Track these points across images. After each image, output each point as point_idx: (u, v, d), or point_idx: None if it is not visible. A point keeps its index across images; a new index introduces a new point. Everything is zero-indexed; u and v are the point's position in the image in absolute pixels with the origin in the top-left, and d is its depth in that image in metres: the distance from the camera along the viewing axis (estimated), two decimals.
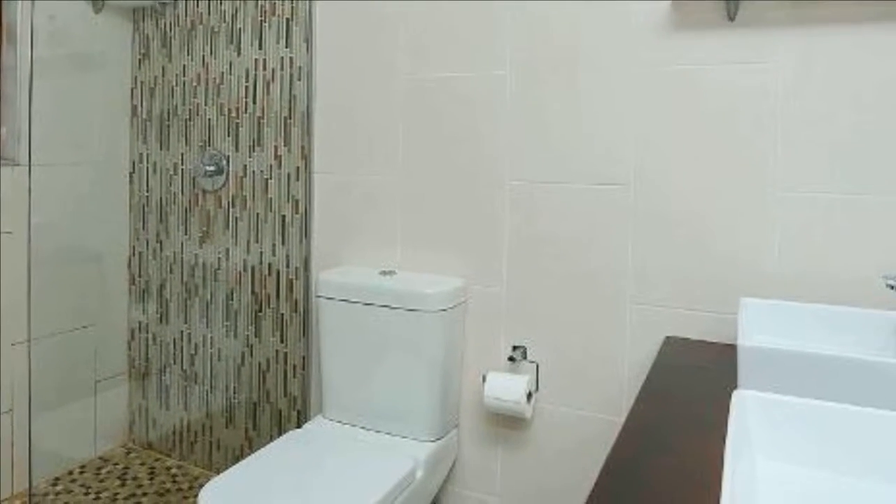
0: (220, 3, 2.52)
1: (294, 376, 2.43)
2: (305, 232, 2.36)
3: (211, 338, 2.62)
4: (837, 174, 1.64)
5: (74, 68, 2.59)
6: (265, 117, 2.43)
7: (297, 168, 2.36)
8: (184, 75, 2.63)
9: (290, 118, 2.37)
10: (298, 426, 2.41)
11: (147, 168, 2.75)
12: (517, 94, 2.00)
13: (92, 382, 2.71)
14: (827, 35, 1.63)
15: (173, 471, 2.67)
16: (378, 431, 2.06)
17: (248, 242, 2.50)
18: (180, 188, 2.66)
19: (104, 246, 2.74)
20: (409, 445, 1.97)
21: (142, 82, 2.75)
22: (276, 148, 2.41)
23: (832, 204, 1.64)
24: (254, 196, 2.47)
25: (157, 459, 2.75)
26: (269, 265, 2.46)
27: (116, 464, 2.71)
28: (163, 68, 2.69)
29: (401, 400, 2.01)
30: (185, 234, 2.65)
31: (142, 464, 2.72)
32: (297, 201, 2.37)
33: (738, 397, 1.04)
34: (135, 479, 2.61)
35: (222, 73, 2.53)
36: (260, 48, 2.44)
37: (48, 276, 2.51)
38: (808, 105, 1.66)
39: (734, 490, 0.81)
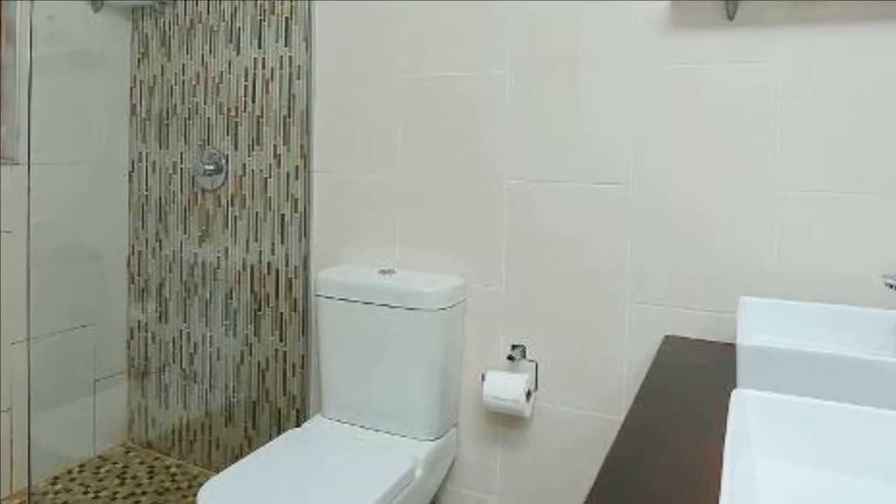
0: (220, 3, 2.52)
1: (293, 375, 2.43)
2: (304, 231, 2.36)
3: (210, 337, 2.62)
4: (836, 173, 1.64)
5: (74, 67, 2.59)
6: (264, 116, 2.43)
7: (297, 167, 2.36)
8: (183, 74, 2.63)
9: (290, 117, 2.37)
10: (297, 425, 2.41)
11: (146, 167, 2.75)
12: (516, 93, 2.00)
13: (91, 381, 2.71)
14: (826, 34, 1.63)
15: (172, 470, 2.67)
16: (377, 430, 2.06)
17: (248, 241, 2.50)
18: (179, 187, 2.66)
19: (103, 245, 2.74)
20: (408, 444, 1.98)
21: (141, 81, 2.75)
22: (275, 147, 2.41)
23: (831, 203, 1.64)
24: (253, 195, 2.47)
25: (156, 458, 2.75)
26: (269, 264, 2.46)
27: (116, 463, 2.71)
28: (162, 67, 2.69)
29: (400, 399, 2.01)
30: (185, 233, 2.65)
31: (141, 463, 2.72)
32: (296, 200, 2.37)
33: (737, 396, 1.05)
34: (134, 478, 2.61)
35: (221, 72, 2.53)
36: (259, 47, 2.44)
37: (47, 275, 2.51)
38: (807, 104, 1.66)
39: (733, 489, 0.81)
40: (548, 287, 1.99)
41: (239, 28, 2.48)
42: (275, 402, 2.48)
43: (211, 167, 2.54)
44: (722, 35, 1.74)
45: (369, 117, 2.23)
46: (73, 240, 2.63)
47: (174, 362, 2.72)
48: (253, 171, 2.46)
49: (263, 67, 2.43)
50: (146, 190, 2.75)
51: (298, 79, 2.35)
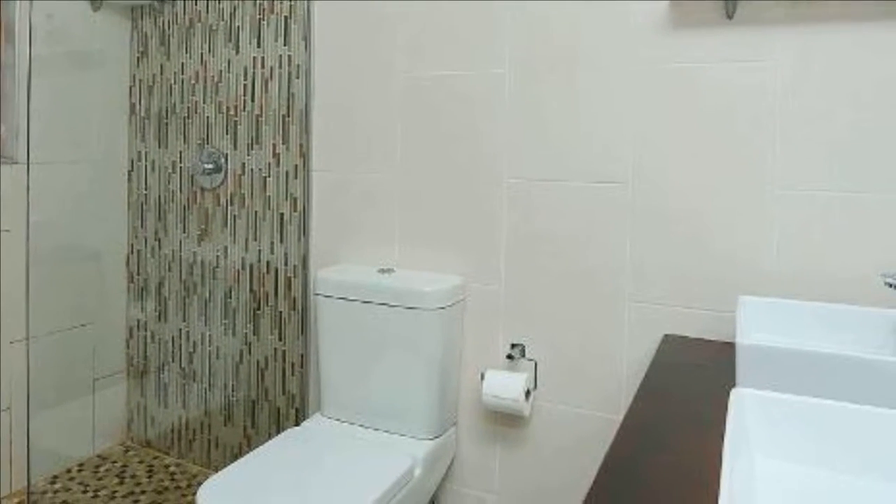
0: (219, 2, 2.52)
1: (292, 374, 2.43)
2: (304, 230, 2.36)
3: (209, 336, 2.62)
4: (836, 172, 1.64)
5: (73, 66, 2.58)
6: (263, 115, 2.43)
7: (296, 166, 2.36)
8: (182, 73, 2.63)
9: (289, 116, 2.37)
10: (297, 424, 2.41)
11: (145, 166, 2.75)
12: (516, 93, 2.00)
13: (90, 380, 2.71)
14: (825, 33, 1.64)
15: (172, 469, 2.67)
16: (376, 429, 2.06)
17: (247, 240, 2.50)
18: (179, 186, 2.66)
19: (103, 244, 2.74)
20: (407, 443, 1.98)
21: (140, 80, 2.75)
22: (274, 146, 2.41)
23: (830, 202, 1.64)
24: (252, 194, 2.47)
25: (155, 457, 2.75)
26: (268, 263, 2.46)
27: (115, 462, 2.71)
28: (161, 66, 2.69)
29: (399, 398, 2.01)
30: (184, 232, 2.65)
31: (140, 462, 2.72)
32: (295, 199, 2.37)
33: (736, 395, 1.05)
34: (133, 477, 2.61)
35: (221, 71, 2.53)
36: (258, 46, 2.43)
37: (47, 275, 2.51)
38: (807, 103, 1.66)
39: (732, 488, 0.81)
40: (547, 286, 1.99)
41: (238, 27, 2.48)
42: (274, 401, 2.48)
43: (210, 166, 2.54)
44: (721, 34, 1.74)
45: (368, 116, 2.23)
46: (72, 239, 2.62)
47: (173, 361, 2.72)
48: (252, 170, 2.46)
49: (263, 66, 2.43)
50: (145, 189, 2.75)
51: (297, 78, 2.35)
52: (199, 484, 2.49)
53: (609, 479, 0.98)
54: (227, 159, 2.52)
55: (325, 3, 2.28)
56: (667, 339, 1.76)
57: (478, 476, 2.12)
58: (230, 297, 2.55)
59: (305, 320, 2.40)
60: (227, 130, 2.52)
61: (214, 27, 2.53)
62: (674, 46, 1.80)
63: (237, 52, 2.48)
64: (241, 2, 2.46)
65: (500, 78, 2.02)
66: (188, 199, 2.63)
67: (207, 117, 2.57)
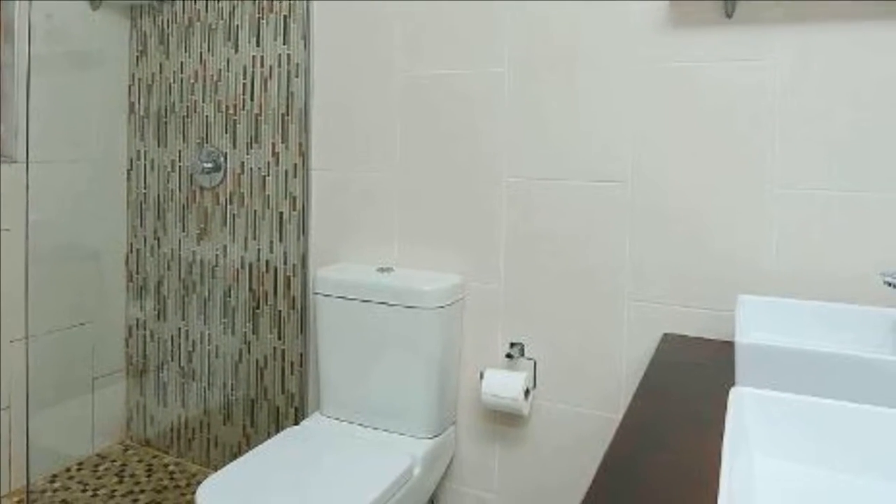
0: (218, 1, 2.52)
1: (292, 373, 2.43)
2: (303, 229, 2.36)
3: (209, 335, 2.62)
4: (835, 171, 1.64)
5: (72, 65, 2.58)
6: (263, 114, 2.43)
7: (295, 165, 2.36)
8: (181, 72, 2.63)
9: (288, 115, 2.37)
10: (296, 423, 2.41)
11: (145, 165, 2.75)
12: (515, 91, 2.00)
13: (89, 379, 2.71)
14: (824, 32, 1.63)
15: (171, 468, 2.67)
16: (376, 428, 2.06)
17: (246, 239, 2.50)
18: (178, 185, 2.65)
19: (102, 243, 2.73)
20: (406, 442, 1.98)
21: (139, 79, 2.75)
22: (273, 145, 2.41)
23: (830, 201, 1.65)
24: (251, 193, 2.47)
25: (154, 456, 2.75)
26: (267, 262, 2.46)
27: (114, 461, 2.71)
28: (160, 65, 2.68)
29: (398, 397, 2.01)
30: (183, 231, 2.65)
31: (139, 461, 2.72)
32: (294, 198, 2.37)
33: (735, 394, 1.05)
34: (132, 476, 2.61)
35: (220, 70, 2.53)
36: (258, 45, 2.43)
37: (46, 274, 2.51)
38: (806, 102, 1.66)
39: (732, 487, 0.81)
40: (546, 285, 1.99)
41: (237, 26, 2.47)
42: (273, 401, 2.48)
43: (209, 165, 2.53)
44: (720, 33, 1.74)
45: (368, 115, 2.22)
46: (71, 238, 2.62)
47: (172, 360, 2.72)
48: (251, 169, 2.46)
49: (262, 65, 2.43)
50: (144, 188, 2.75)
51: (297, 77, 2.35)
52: (199, 483, 2.49)
53: (608, 478, 0.98)
54: (226, 158, 2.52)
55: (325, 3, 2.28)
56: (666, 337, 1.76)
57: (477, 475, 2.12)
58: (229, 296, 2.55)
59: (305, 319, 2.40)
60: (226, 129, 2.52)
61: (214, 26, 2.53)
62: (673, 46, 1.80)
63: (236, 51, 2.48)
64: (240, 1, 2.46)
65: (499, 77, 2.02)
66: (187, 198, 2.63)
67: (207, 116, 2.56)
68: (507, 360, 2.06)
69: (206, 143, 2.56)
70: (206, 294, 2.61)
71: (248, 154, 2.47)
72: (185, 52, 2.61)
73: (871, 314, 1.45)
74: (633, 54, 1.84)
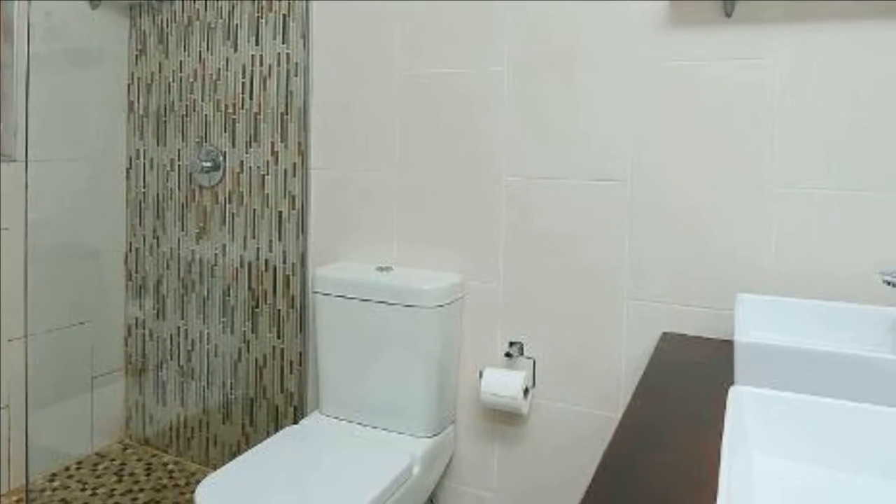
0: (217, 0, 2.52)
1: (291, 372, 2.43)
2: (302, 228, 2.36)
3: (208, 334, 2.62)
4: (834, 170, 1.64)
5: (71, 64, 2.58)
6: (262, 113, 2.43)
7: (294, 164, 2.36)
8: (180, 71, 2.62)
9: (287, 114, 2.37)
10: (295, 422, 2.41)
11: (144, 164, 2.74)
12: (514, 90, 2.00)
13: (88, 378, 2.71)
14: (823, 31, 1.63)
15: (170, 467, 2.67)
16: (375, 427, 2.06)
17: (245, 238, 2.49)
18: (177, 184, 2.65)
19: (101, 242, 2.73)
20: (405, 441, 1.98)
21: (138, 78, 2.75)
22: (272, 144, 2.41)
23: (829, 200, 1.65)
24: (250, 192, 2.47)
25: (153, 455, 2.75)
26: (266, 261, 2.45)
27: (113, 460, 2.71)
28: (159, 64, 2.68)
29: (397, 396, 2.01)
30: (182, 230, 2.65)
31: (138, 460, 2.72)
32: (293, 197, 2.37)
33: (734, 393, 1.05)
34: (131, 475, 2.61)
35: (219, 69, 2.52)
36: (257, 44, 2.43)
37: (45, 273, 2.51)
38: (805, 101, 1.66)
39: (730, 486, 0.81)
40: (546, 284, 1.99)
41: (236, 25, 2.47)
42: (272, 399, 2.48)
43: (208, 164, 2.53)
44: (720, 32, 1.74)
45: (367, 114, 2.22)
46: (70, 237, 2.62)
47: (172, 359, 2.72)
48: (250, 168, 2.46)
49: (261, 64, 2.43)
50: (144, 187, 2.75)
51: (296, 76, 2.35)
52: (198, 482, 2.49)
53: (607, 477, 0.98)
54: (225, 157, 2.52)
55: (324, 2, 2.28)
56: (665, 336, 1.76)
57: (476, 474, 2.13)
58: (228, 295, 2.55)
59: (304, 318, 2.40)
60: (225, 128, 2.52)
61: (213, 25, 2.53)
62: (672, 44, 1.80)
63: (236, 49, 2.48)
64: (239, 0, 2.46)
65: (498, 76, 2.02)
66: (186, 197, 2.63)
67: (206, 115, 2.56)
68: (506, 358, 2.06)
69: (206, 142, 2.56)
70: (206, 293, 2.61)
71: (247, 153, 2.47)
72: (185, 50, 2.61)
73: (870, 313, 1.45)
74: (633, 53, 1.84)
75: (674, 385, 1.39)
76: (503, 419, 2.08)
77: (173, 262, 2.68)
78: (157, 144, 2.70)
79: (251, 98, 2.45)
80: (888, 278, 1.36)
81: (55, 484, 2.52)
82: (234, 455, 2.57)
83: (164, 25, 2.66)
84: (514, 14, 1.98)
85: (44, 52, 2.47)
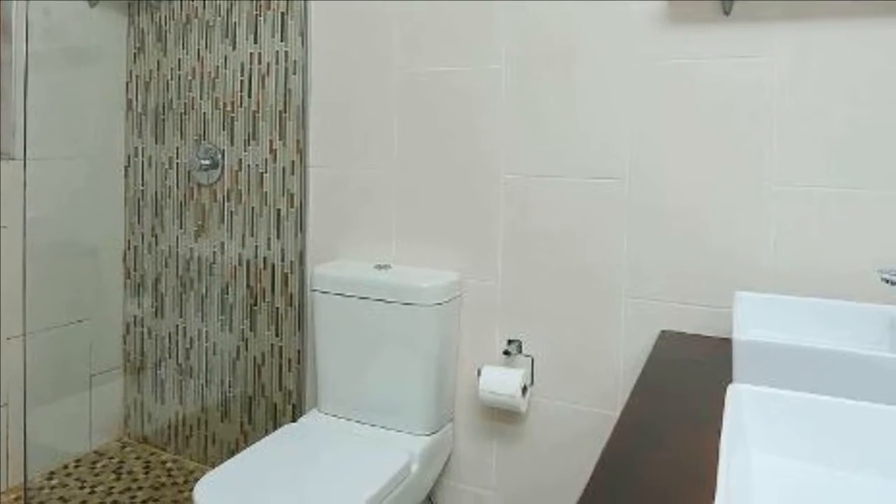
0: None
1: (289, 370, 2.43)
2: (300, 226, 2.36)
3: (206, 332, 2.62)
4: (833, 168, 1.64)
5: (69, 63, 2.58)
6: (260, 111, 2.43)
7: (293, 162, 2.36)
8: (179, 69, 2.62)
9: (286, 112, 2.37)
10: (293, 420, 2.41)
11: (142, 162, 2.74)
12: (512, 89, 2.00)
13: (87, 376, 2.71)
14: (822, 29, 1.63)
15: (168, 465, 2.67)
16: (373, 425, 2.06)
17: (244, 236, 2.49)
18: (175, 182, 2.65)
19: (99, 240, 2.73)
20: (404, 439, 1.98)
21: (137, 76, 2.75)
22: (271, 142, 2.41)
23: (828, 198, 1.65)
24: (249, 190, 2.47)
25: (152, 453, 2.75)
26: (265, 259, 2.45)
27: (111, 458, 2.71)
28: (158, 62, 2.68)
29: (396, 394, 2.01)
30: (181, 228, 2.65)
31: (137, 458, 2.72)
32: (292, 195, 2.37)
33: (733, 391, 1.05)
34: (130, 473, 2.60)
35: (217, 67, 2.52)
36: (255, 42, 2.43)
37: (43, 271, 2.50)
38: (804, 99, 1.66)
39: (729, 484, 0.81)
40: (544, 282, 1.99)
41: (235, 23, 2.47)
42: (271, 397, 2.48)
43: (207, 162, 2.53)
44: (718, 31, 1.74)
45: (365, 112, 2.22)
46: (69, 235, 2.62)
47: (170, 357, 2.72)
48: (249, 166, 2.46)
49: (259, 62, 2.42)
50: (142, 185, 2.75)
51: (294, 74, 2.34)
52: (196, 480, 2.49)
53: (606, 475, 0.98)
54: (223, 155, 2.52)
55: (322, 0, 2.28)
56: (664, 335, 1.76)
57: (475, 472, 2.13)
58: (227, 293, 2.55)
59: (302, 316, 2.39)
60: (223, 126, 2.52)
61: (211, 23, 2.53)
62: (671, 43, 1.79)
63: (234, 48, 2.48)
64: None
65: (496, 74, 2.02)
66: (185, 195, 2.63)
67: (204, 113, 2.56)
68: (504, 357, 2.06)
69: (204, 140, 2.56)
70: (204, 291, 2.61)
71: (245, 151, 2.47)
72: (183, 48, 2.61)
73: (869, 311, 1.45)
74: (631, 51, 1.84)
75: (672, 383, 1.39)
76: (502, 417, 2.08)
77: (172, 261, 2.68)
78: (156, 142, 2.70)
79: (250, 96, 2.45)
80: (887, 276, 1.36)
81: (53, 482, 2.52)
82: (232, 453, 2.58)
83: (163, 23, 2.66)
84: (513, 12, 1.98)
85: (42, 51, 2.47)
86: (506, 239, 2.03)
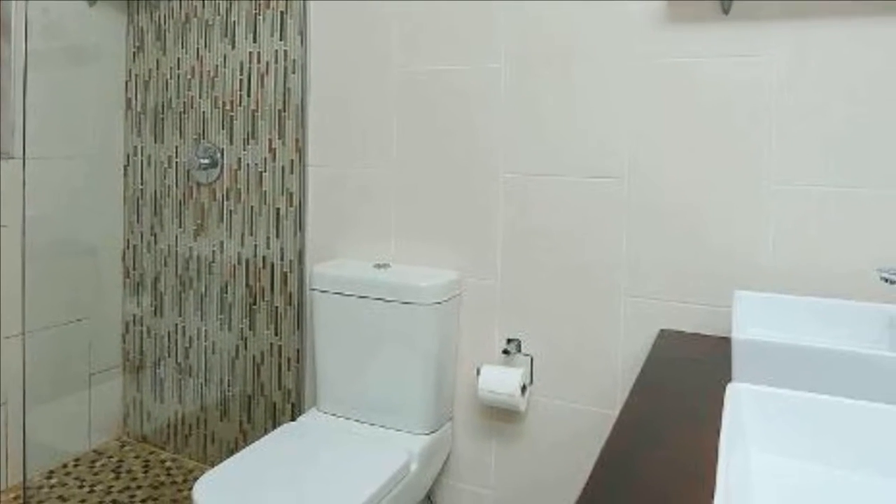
0: None
1: (288, 369, 2.43)
2: (300, 225, 2.36)
3: (205, 331, 2.62)
4: (831, 167, 1.64)
5: (69, 61, 2.58)
6: (259, 110, 2.43)
7: (292, 161, 2.36)
8: (178, 68, 2.62)
9: (285, 111, 2.37)
10: (293, 419, 2.41)
11: (141, 161, 2.74)
12: (511, 87, 2.00)
13: (86, 375, 2.70)
14: (820, 28, 1.63)
15: (168, 464, 2.67)
16: (372, 424, 2.06)
17: (243, 235, 2.49)
18: (175, 181, 2.65)
19: (98, 239, 2.73)
20: (403, 438, 1.98)
21: (136, 75, 2.74)
22: (270, 141, 2.41)
23: (826, 197, 1.65)
24: (248, 189, 2.47)
25: (151, 452, 2.75)
26: (264, 258, 2.45)
27: (111, 457, 2.71)
28: (157, 61, 2.68)
29: (395, 393, 2.01)
30: (180, 226, 2.65)
31: (136, 457, 2.71)
32: (291, 194, 2.37)
33: (732, 390, 1.05)
34: (129, 472, 2.60)
35: (217, 66, 2.52)
36: (254, 41, 2.43)
37: (43, 270, 2.50)
38: (802, 98, 1.66)
39: (728, 483, 0.81)
40: (543, 281, 1.99)
41: (234, 22, 2.47)
42: (270, 396, 2.48)
43: (206, 161, 2.53)
44: (717, 30, 1.74)
45: (364, 111, 2.22)
46: (68, 234, 2.62)
47: (169, 356, 2.72)
48: (248, 165, 2.46)
49: (259, 61, 2.42)
50: (141, 184, 2.75)
51: (293, 73, 2.34)
52: (196, 479, 2.49)
53: (605, 473, 0.98)
54: (223, 154, 2.52)
55: None
56: (663, 333, 1.76)
57: (474, 471, 2.13)
58: (226, 292, 2.55)
59: (301, 315, 2.40)
60: (223, 125, 2.51)
61: (210, 22, 2.53)
62: (670, 42, 1.79)
63: (233, 47, 2.48)
64: None
65: (495, 73, 2.01)
66: (184, 195, 2.63)
67: (203, 112, 2.56)
68: (503, 356, 2.06)
69: (203, 139, 2.56)
70: (203, 290, 2.61)
71: (244, 150, 2.46)
72: (182, 48, 2.60)
73: (868, 310, 1.45)
74: (630, 50, 1.84)
75: (671, 382, 1.39)
76: (501, 416, 2.08)
77: (171, 259, 2.68)
78: (155, 141, 2.70)
79: (249, 95, 2.45)
80: (885, 275, 1.36)
81: (53, 481, 2.52)
82: (231, 452, 2.58)
83: (162, 22, 2.66)
84: (512, 11, 1.98)
85: (41, 49, 2.47)
86: (505, 238, 2.03)
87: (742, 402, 1.05)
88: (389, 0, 2.16)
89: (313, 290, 2.11)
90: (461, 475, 2.15)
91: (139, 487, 2.50)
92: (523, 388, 1.96)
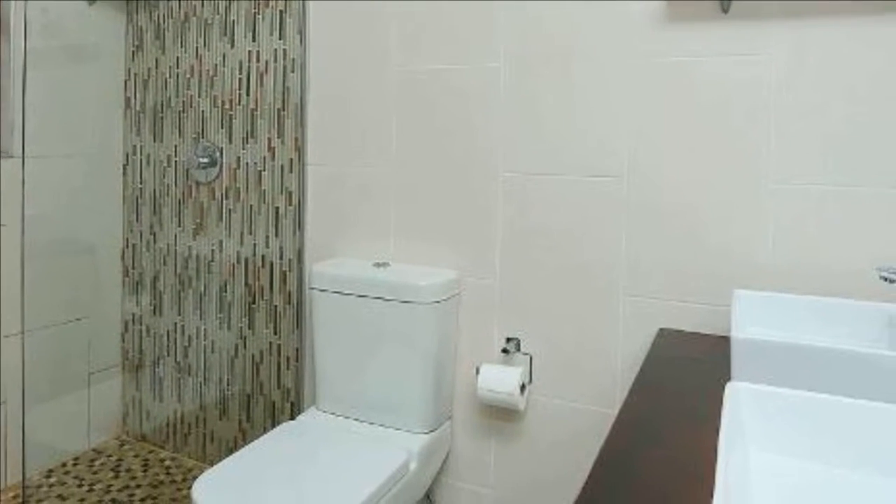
0: None
1: (287, 368, 2.43)
2: (299, 224, 2.36)
3: (204, 330, 2.62)
4: (830, 166, 1.64)
5: (68, 60, 2.57)
6: (259, 109, 2.42)
7: (291, 160, 2.36)
8: (177, 67, 2.62)
9: (284, 110, 2.37)
10: (292, 418, 2.41)
11: (140, 160, 2.74)
12: (511, 86, 1.99)
13: (85, 374, 2.70)
14: (820, 27, 1.63)
15: (167, 463, 2.67)
16: (372, 423, 2.06)
17: (242, 234, 2.49)
18: (174, 180, 2.65)
19: (98, 238, 2.73)
20: (402, 437, 1.98)
21: (135, 74, 2.74)
22: (269, 140, 2.40)
23: (825, 196, 1.65)
24: (247, 188, 2.46)
25: (150, 451, 2.75)
26: (263, 257, 2.45)
27: (110, 456, 2.71)
28: (156, 60, 2.68)
29: (394, 392, 2.01)
30: (179, 225, 2.65)
31: (135, 456, 2.71)
32: (290, 193, 2.37)
33: (731, 389, 1.05)
34: (128, 471, 2.60)
35: (216, 65, 2.52)
36: (253, 40, 2.43)
37: (42, 269, 2.50)
38: (802, 97, 1.66)
39: (727, 482, 0.81)
40: (542, 280, 1.99)
41: (233, 21, 2.47)
42: (269, 395, 2.48)
43: (205, 160, 2.53)
44: (717, 29, 1.74)
45: (364, 110, 2.22)
46: (67, 233, 2.62)
47: (168, 355, 2.72)
48: (247, 164, 2.46)
49: (258, 60, 2.42)
50: (140, 183, 2.74)
51: (293, 72, 2.34)
52: (195, 478, 2.49)
53: (604, 472, 0.98)
54: (222, 153, 2.51)
55: None
56: (662, 333, 1.76)
57: (473, 470, 2.13)
58: (225, 291, 2.55)
59: (301, 314, 2.39)
60: (222, 124, 2.51)
61: (210, 21, 2.53)
62: (669, 41, 1.79)
63: (232, 46, 2.47)
64: None
65: (495, 72, 2.01)
66: (183, 193, 2.63)
67: (202, 111, 2.56)
68: (503, 355, 2.06)
69: (202, 138, 2.56)
70: (202, 289, 2.61)
71: (244, 149, 2.46)
72: (181, 47, 2.60)
73: (867, 309, 1.45)
74: (629, 49, 1.84)
75: (670, 381, 1.39)
76: (500, 415, 2.08)
77: (170, 259, 2.68)
78: (154, 140, 2.70)
79: (248, 94, 2.45)
80: (885, 274, 1.36)
81: (52, 480, 2.52)
82: (230, 451, 2.58)
83: (161, 21, 2.65)
84: (512, 11, 1.98)
85: (41, 49, 2.46)
86: (504, 237, 2.03)
87: (741, 401, 1.05)
88: None
89: (312, 288, 2.11)
90: (460, 474, 2.15)
91: (138, 486, 2.50)
92: (522, 387, 1.96)
